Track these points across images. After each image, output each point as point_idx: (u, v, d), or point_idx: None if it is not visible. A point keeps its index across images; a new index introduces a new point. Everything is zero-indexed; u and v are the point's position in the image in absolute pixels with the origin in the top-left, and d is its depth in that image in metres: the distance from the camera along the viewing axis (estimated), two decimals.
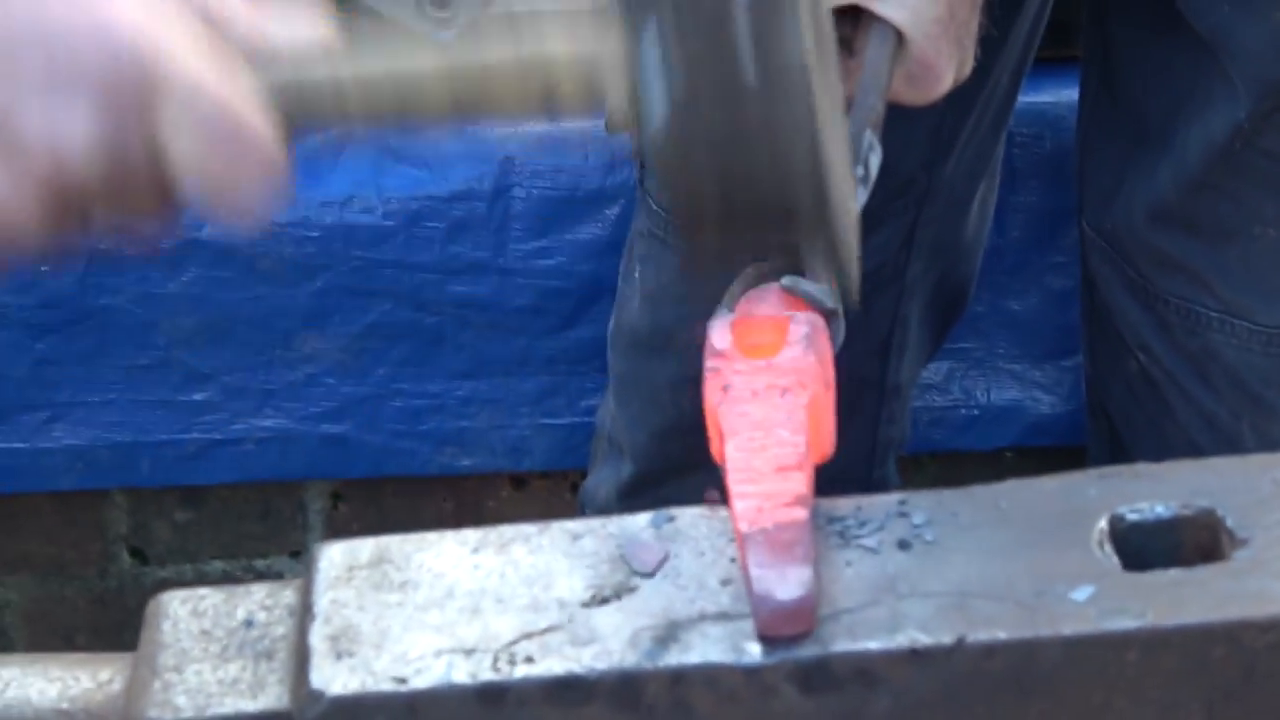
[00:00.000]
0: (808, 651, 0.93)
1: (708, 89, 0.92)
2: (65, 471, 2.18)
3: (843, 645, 0.94)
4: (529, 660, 0.95)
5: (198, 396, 2.16)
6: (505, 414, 2.19)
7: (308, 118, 0.96)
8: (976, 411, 2.20)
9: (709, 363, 1.05)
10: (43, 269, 2.12)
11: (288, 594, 1.01)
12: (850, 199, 1.04)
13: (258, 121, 0.93)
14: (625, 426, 2.03)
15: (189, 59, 0.93)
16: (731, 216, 0.95)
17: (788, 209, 0.95)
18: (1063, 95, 2.01)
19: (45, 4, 0.93)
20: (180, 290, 2.10)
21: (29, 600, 2.34)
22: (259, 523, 2.29)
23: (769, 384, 1.04)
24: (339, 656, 0.96)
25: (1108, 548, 0.98)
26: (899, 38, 1.48)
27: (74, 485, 2.24)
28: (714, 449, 1.02)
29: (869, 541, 1.01)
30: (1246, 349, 1.86)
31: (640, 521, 1.02)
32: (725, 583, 0.97)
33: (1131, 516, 1.00)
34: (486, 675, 0.94)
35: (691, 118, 0.92)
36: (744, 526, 0.96)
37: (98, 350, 2.13)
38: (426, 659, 0.96)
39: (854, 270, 1.02)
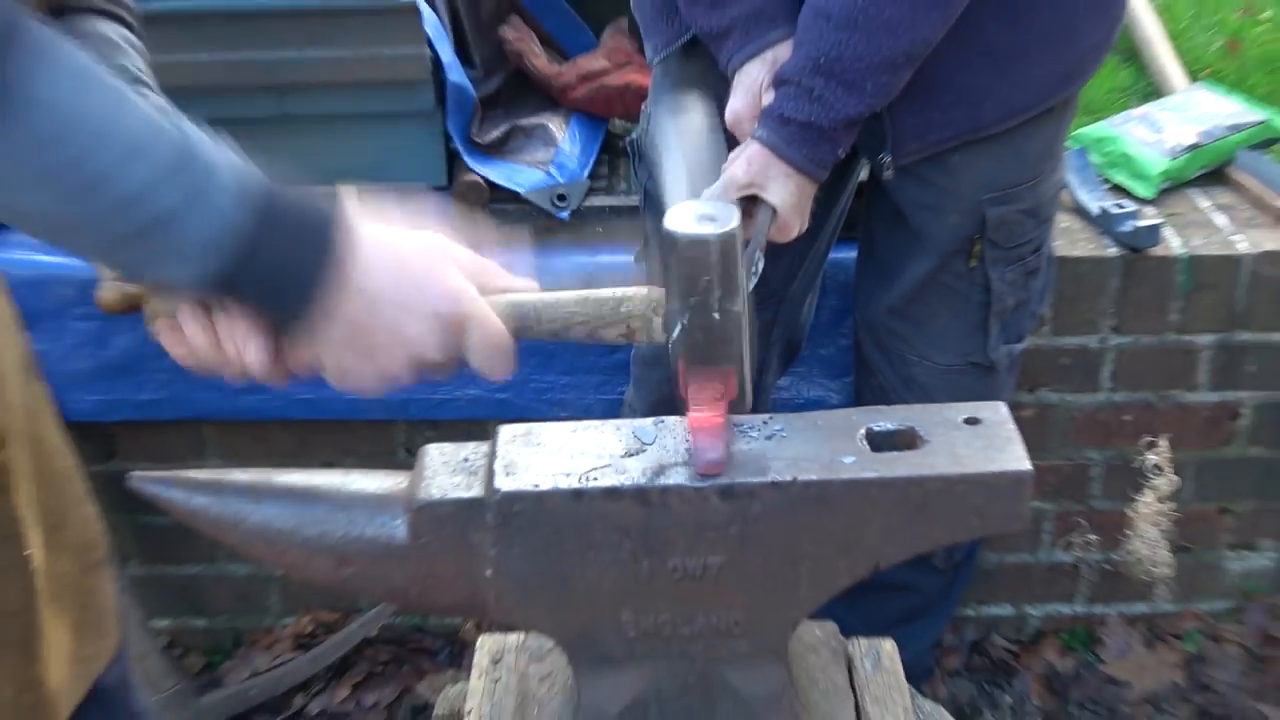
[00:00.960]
0: (723, 481, 0.94)
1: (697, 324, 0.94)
2: (372, 409, 2.17)
3: (740, 479, 0.95)
4: (595, 479, 0.96)
5: (441, 391, 2.18)
6: (583, 393, 2.17)
7: (521, 330, 0.97)
8: (802, 401, 2.18)
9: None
10: None
11: (484, 447, 1.01)
12: (748, 358, 1.01)
13: (504, 332, 0.95)
14: (638, 400, 2.01)
15: (477, 304, 0.95)
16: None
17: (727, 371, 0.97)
18: (850, 254, 1.99)
19: (426, 277, 0.94)
20: None
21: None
22: (465, 439, 2.29)
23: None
24: (507, 474, 0.97)
25: (864, 442, 0.99)
26: (774, 210, 1.49)
27: (376, 416, 2.23)
28: (681, 391, 0.99)
29: (754, 435, 1.01)
30: (931, 375, 1.85)
31: (649, 421, 1.02)
32: (687, 450, 0.97)
33: (876, 428, 1.01)
34: (574, 485, 0.96)
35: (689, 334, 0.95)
36: (694, 425, 0.97)
37: None
38: (546, 476, 0.97)
39: (749, 377, 1.00)
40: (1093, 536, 2.40)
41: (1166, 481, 2.17)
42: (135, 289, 2.09)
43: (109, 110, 0.85)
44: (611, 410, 2.14)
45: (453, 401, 2.16)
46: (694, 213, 0.95)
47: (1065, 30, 1.65)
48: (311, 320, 0.92)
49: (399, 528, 0.98)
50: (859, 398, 2.05)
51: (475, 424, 2.23)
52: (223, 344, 0.96)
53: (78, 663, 1.30)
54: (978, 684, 2.42)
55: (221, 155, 0.89)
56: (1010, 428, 1.00)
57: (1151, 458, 2.19)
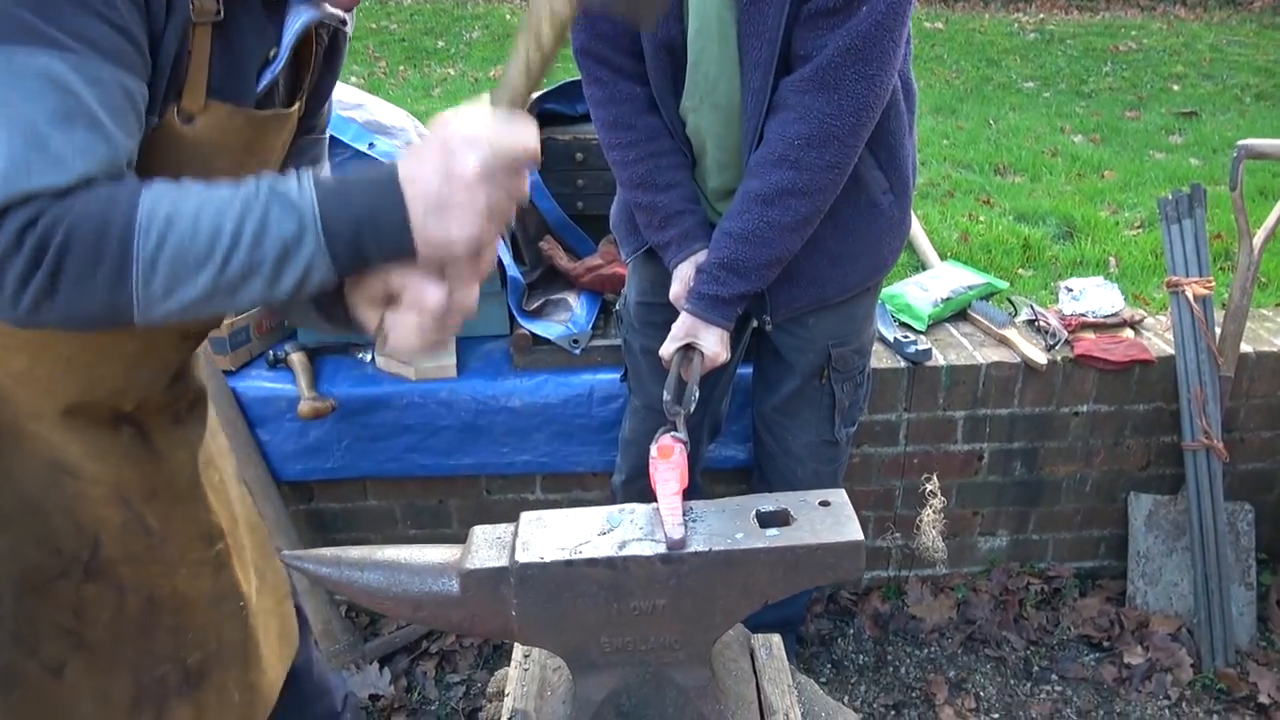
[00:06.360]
0: (663, 552, 0.81)
1: None
2: (464, 469, 2.01)
3: (689, 550, 0.82)
4: (580, 552, 0.82)
5: (505, 456, 2.00)
6: (591, 459, 2.01)
7: (527, 91, 0.72)
8: (722, 458, 2.05)
9: (651, 455, 0.89)
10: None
11: (512, 528, 0.88)
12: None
13: (534, 143, 0.70)
14: (624, 464, 1.82)
15: (488, 128, 0.69)
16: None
17: None
18: (747, 372, 1.88)
19: (457, 133, 0.69)
20: (504, 432, 1.96)
21: (463, 506, 2.14)
22: (520, 488, 2.13)
23: (669, 464, 0.88)
24: (523, 550, 0.83)
25: (754, 520, 0.86)
26: (703, 355, 1.36)
27: (469, 473, 2.06)
28: (652, 484, 0.86)
29: (691, 517, 0.87)
30: (800, 447, 1.72)
31: (615, 509, 0.88)
32: (640, 529, 0.84)
33: (762, 510, 0.88)
34: (567, 557, 0.82)
35: None
36: (660, 508, 0.84)
37: (479, 435, 1.98)
38: (549, 550, 0.83)
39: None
40: (897, 532, 2.27)
41: (939, 500, 2.04)
42: (321, 404, 1.91)
43: (216, 198, 0.66)
44: (608, 467, 1.99)
45: (513, 464, 2.01)
46: None
47: (873, 243, 1.55)
48: (415, 229, 0.68)
49: (454, 585, 0.84)
50: (755, 459, 1.90)
51: (528, 477, 2.09)
52: (415, 312, 0.72)
53: (280, 661, 1.14)
54: (833, 621, 2.26)
55: (293, 181, 0.69)
56: (849, 509, 0.87)
57: (928, 485, 2.07)
